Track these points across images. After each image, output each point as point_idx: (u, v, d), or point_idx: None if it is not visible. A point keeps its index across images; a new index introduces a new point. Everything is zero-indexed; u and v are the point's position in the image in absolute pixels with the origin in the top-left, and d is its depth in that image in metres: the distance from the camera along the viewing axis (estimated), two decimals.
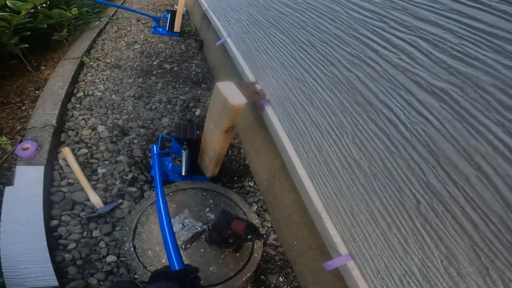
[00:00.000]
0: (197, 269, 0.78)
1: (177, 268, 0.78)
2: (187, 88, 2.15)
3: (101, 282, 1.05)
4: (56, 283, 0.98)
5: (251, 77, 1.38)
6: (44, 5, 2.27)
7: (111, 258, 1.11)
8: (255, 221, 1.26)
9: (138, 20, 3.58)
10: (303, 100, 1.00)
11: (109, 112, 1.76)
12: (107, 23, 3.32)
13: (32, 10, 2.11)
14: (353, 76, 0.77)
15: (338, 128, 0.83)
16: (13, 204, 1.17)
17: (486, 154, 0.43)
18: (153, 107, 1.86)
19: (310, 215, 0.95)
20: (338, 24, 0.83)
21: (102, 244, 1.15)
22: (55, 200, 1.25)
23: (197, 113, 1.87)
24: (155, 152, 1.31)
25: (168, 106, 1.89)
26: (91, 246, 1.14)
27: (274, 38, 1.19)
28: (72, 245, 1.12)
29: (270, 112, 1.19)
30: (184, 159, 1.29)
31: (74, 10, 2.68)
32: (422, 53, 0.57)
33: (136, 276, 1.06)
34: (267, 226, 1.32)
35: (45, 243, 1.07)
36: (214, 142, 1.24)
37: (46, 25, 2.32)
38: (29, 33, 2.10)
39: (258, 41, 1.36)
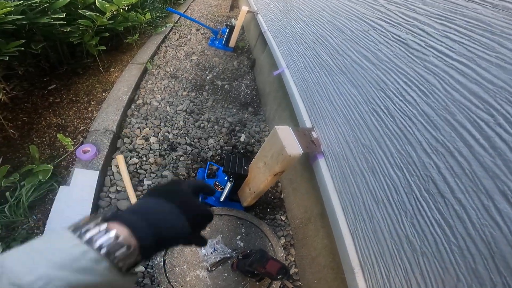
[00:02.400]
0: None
1: None
2: (234, 110, 2.15)
3: None
4: None
5: (307, 121, 1.32)
6: (126, 8, 2.45)
7: (139, 268, 1.13)
8: (281, 254, 1.28)
9: (197, 30, 3.74)
10: (364, 167, 0.92)
11: (162, 124, 1.81)
12: (171, 29, 3.52)
13: (116, 12, 2.30)
14: (432, 164, 0.67)
15: (397, 206, 0.76)
16: (64, 204, 1.24)
17: None
18: (202, 125, 1.89)
19: (340, 263, 0.94)
20: (431, 101, 0.71)
21: None
22: (102, 205, 1.31)
23: (242, 139, 1.85)
24: (200, 177, 1.32)
25: (216, 127, 1.90)
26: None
27: (342, 89, 1.11)
28: None
29: (323, 165, 1.12)
30: (227, 189, 1.30)
31: (148, 15, 2.86)
32: None
33: None
34: (290, 260, 1.33)
35: None
36: (260, 180, 1.22)
37: (123, 28, 2.50)
38: (108, 34, 2.28)
39: (322, 86, 1.29)
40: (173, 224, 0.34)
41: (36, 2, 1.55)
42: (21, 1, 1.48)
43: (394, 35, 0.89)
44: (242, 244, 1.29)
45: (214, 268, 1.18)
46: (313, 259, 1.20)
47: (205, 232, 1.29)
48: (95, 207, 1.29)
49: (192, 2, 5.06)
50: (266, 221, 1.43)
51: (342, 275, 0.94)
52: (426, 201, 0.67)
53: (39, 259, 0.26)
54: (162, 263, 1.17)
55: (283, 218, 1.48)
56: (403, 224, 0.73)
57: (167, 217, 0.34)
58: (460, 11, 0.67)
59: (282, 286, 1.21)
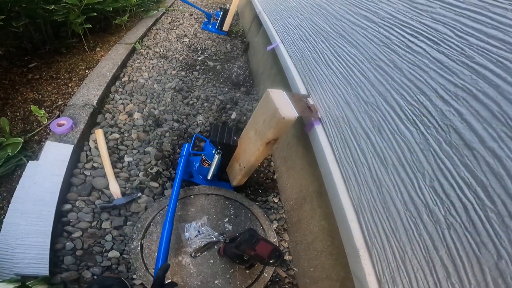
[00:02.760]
0: (174, 283, 0.78)
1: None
2: (226, 89, 2.03)
3: (95, 277, 0.94)
4: (46, 273, 0.89)
5: (302, 89, 1.20)
6: None
7: (113, 254, 1.01)
8: (273, 239, 1.16)
9: (191, 15, 3.61)
10: (368, 127, 0.80)
11: (148, 100, 1.69)
12: (164, 13, 3.38)
13: None
14: (452, 111, 0.57)
15: (412, 168, 0.64)
16: (31, 180, 1.10)
17: None
18: (191, 102, 1.77)
19: (343, 247, 0.81)
20: (443, 48, 0.62)
21: (108, 237, 1.05)
22: (75, 182, 1.18)
23: (233, 116, 1.73)
24: (184, 152, 1.20)
25: (205, 104, 1.78)
26: (97, 237, 1.05)
27: (341, 51, 1.00)
28: (77, 234, 1.03)
29: (320, 133, 1.01)
30: (214, 163, 1.17)
31: None
32: None
33: (135, 277, 0.96)
34: (284, 246, 1.20)
35: (51, 229, 0.98)
36: (250, 152, 1.10)
37: (112, 8, 2.36)
38: (95, 14, 2.14)
39: (319, 52, 1.18)
40: None
41: None
42: None
43: None
44: (230, 227, 1.16)
45: (198, 254, 1.05)
46: (309, 244, 1.08)
47: (189, 213, 1.17)
48: (67, 184, 1.16)
49: None
50: (257, 203, 1.31)
51: (343, 260, 0.83)
52: (449, 157, 0.56)
53: None
54: (139, 248, 1.03)
55: (275, 200, 1.36)
56: (421, 189, 0.61)
57: None
58: None
59: (274, 274, 1.09)
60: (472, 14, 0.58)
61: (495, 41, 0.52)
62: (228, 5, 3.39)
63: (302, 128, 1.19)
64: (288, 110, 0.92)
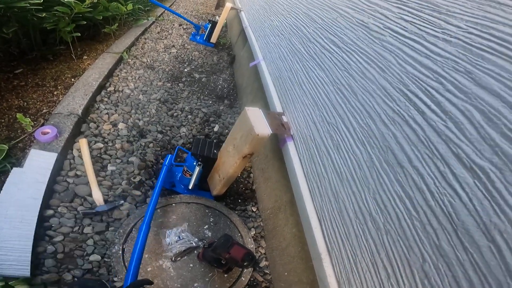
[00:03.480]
0: (149, 281, 0.81)
1: (128, 284, 0.83)
2: (210, 102, 2.12)
3: (76, 279, 0.98)
4: (28, 274, 0.92)
5: (278, 106, 1.31)
6: None
7: (94, 257, 1.05)
8: (251, 246, 1.24)
9: (180, 25, 3.69)
10: (329, 145, 0.92)
11: (133, 111, 1.74)
12: (153, 22, 3.44)
13: (96, 0, 2.20)
14: (390, 134, 0.69)
15: (360, 182, 0.76)
16: (15, 187, 1.13)
17: (505, 231, 0.44)
18: (175, 114, 1.84)
19: (309, 252, 0.91)
20: (387, 75, 0.74)
21: (90, 242, 1.09)
22: (57, 189, 1.21)
23: (216, 129, 1.82)
24: (167, 163, 1.26)
25: (189, 116, 1.85)
26: (78, 242, 1.08)
27: (312, 73, 1.12)
28: (59, 238, 1.06)
29: (291, 148, 1.11)
30: (195, 174, 1.24)
31: (130, 6, 2.79)
32: (472, 125, 0.50)
33: (115, 279, 1.01)
34: (261, 252, 1.27)
35: (33, 233, 1.01)
36: (229, 164, 1.18)
37: (101, 17, 2.41)
38: (85, 22, 2.18)
39: (294, 72, 1.29)
40: None
41: None
42: None
43: (358, 20, 0.94)
44: (209, 234, 1.23)
45: (179, 258, 1.11)
46: (283, 250, 1.16)
47: (170, 220, 1.23)
48: (50, 191, 1.19)
49: None
50: (237, 211, 1.38)
51: (311, 263, 0.91)
52: (387, 173, 0.67)
53: None
54: (120, 252, 1.08)
55: (254, 209, 1.44)
56: (366, 200, 0.72)
57: None
58: None
59: (252, 279, 1.16)
60: (412, 43, 0.69)
61: (426, 70, 0.63)
62: (217, 17, 3.52)
63: (278, 142, 1.29)
64: (262, 127, 1.01)
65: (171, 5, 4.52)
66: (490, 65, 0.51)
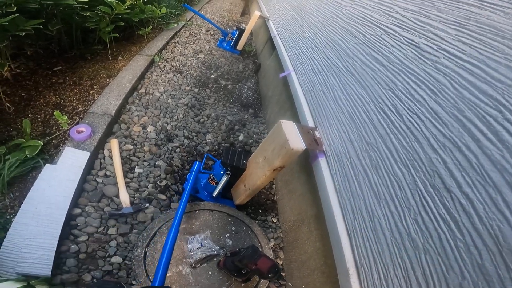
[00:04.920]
0: None
1: (157, 285, 0.82)
2: (235, 110, 2.12)
3: (95, 280, 0.98)
4: (49, 273, 0.93)
5: (310, 120, 1.28)
6: None
7: (116, 259, 1.05)
8: (270, 256, 1.22)
9: (207, 30, 3.78)
10: (367, 165, 0.87)
11: (162, 115, 1.77)
12: (183, 26, 3.55)
13: (135, 2, 2.30)
14: (439, 159, 0.66)
15: (400, 203, 0.73)
16: (46, 183, 1.16)
17: None
18: (201, 120, 1.85)
19: (335, 266, 0.90)
20: (440, 99, 0.70)
21: (113, 243, 1.10)
22: (87, 188, 1.24)
23: (240, 138, 1.81)
24: (195, 169, 1.26)
25: (215, 123, 1.86)
26: (101, 242, 1.10)
27: (350, 90, 1.08)
28: (83, 237, 1.08)
29: (323, 165, 1.07)
30: (221, 183, 1.23)
31: (163, 9, 2.89)
32: None
33: (134, 283, 1.00)
34: (278, 263, 1.26)
35: (59, 232, 1.03)
36: (257, 176, 1.17)
37: (138, 19, 2.51)
38: (123, 23, 2.27)
39: (329, 87, 1.26)
40: None
41: None
42: None
43: (407, 39, 0.90)
44: (230, 242, 1.22)
45: (198, 265, 1.10)
46: (303, 263, 1.15)
47: (193, 227, 1.22)
48: (79, 190, 1.22)
49: (206, 4, 5.16)
50: (257, 221, 1.37)
51: (334, 278, 0.90)
52: (432, 196, 0.65)
53: None
54: (142, 255, 1.09)
55: (274, 220, 1.42)
56: (406, 221, 0.70)
57: None
58: (474, 18, 0.70)
59: None
60: (470, 67, 0.65)
61: (485, 96, 0.60)
62: (243, 25, 3.57)
63: (306, 157, 1.26)
64: (297, 142, 0.99)
65: (199, 10, 4.65)
66: None
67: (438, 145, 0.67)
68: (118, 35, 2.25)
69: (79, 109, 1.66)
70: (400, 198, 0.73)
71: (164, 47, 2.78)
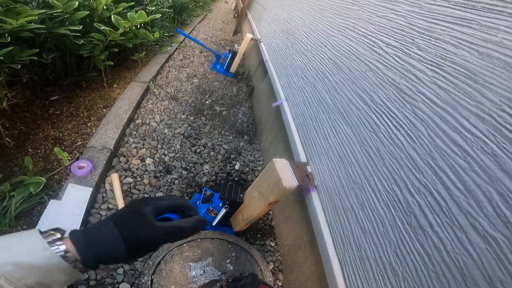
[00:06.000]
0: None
1: None
2: (231, 137, 2.27)
3: None
4: None
5: (302, 156, 1.43)
6: (138, 25, 2.55)
7: (124, 286, 1.16)
8: (269, 279, 1.34)
9: (201, 52, 3.98)
10: (354, 202, 1.02)
11: (159, 146, 1.90)
12: (176, 49, 3.74)
13: (128, 28, 2.42)
14: (415, 202, 0.78)
15: (383, 237, 0.87)
16: (53, 218, 1.27)
17: (505, 281, 0.55)
18: (198, 150, 1.99)
19: None
20: (416, 146, 0.82)
21: (120, 271, 1.21)
22: (91, 221, 1.34)
23: (237, 167, 1.95)
24: (198, 202, 1.39)
25: (212, 153, 2.00)
26: (109, 270, 1.21)
27: (338, 128, 1.24)
28: None
29: (315, 198, 1.21)
30: (220, 215, 1.36)
31: (157, 34, 2.98)
32: (491, 204, 0.59)
33: None
34: (278, 285, 1.38)
35: None
36: (254, 208, 1.30)
37: (132, 45, 2.64)
38: (117, 49, 2.40)
39: (319, 122, 1.42)
40: (112, 254, 0.44)
41: (57, 12, 1.63)
42: (44, 10, 1.55)
43: (389, 78, 0.97)
44: (231, 268, 1.33)
45: None
46: (301, 284, 1.27)
47: (195, 254, 1.33)
48: (85, 223, 1.32)
49: (198, 24, 5.42)
50: (256, 246, 1.49)
51: None
52: (408, 233, 0.78)
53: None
54: (149, 282, 1.19)
55: (272, 244, 1.55)
56: (388, 252, 0.84)
57: (107, 248, 0.43)
58: (450, 58, 0.76)
59: None
60: (444, 114, 0.73)
61: (455, 146, 0.68)
62: (236, 45, 3.78)
63: (300, 190, 1.39)
64: (289, 180, 1.13)
65: (192, 30, 4.89)
66: None
67: (414, 190, 0.79)
68: (112, 63, 2.38)
69: (78, 143, 1.77)
70: (383, 233, 0.87)
71: (158, 72, 2.94)
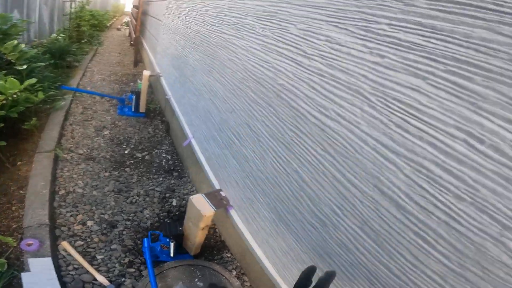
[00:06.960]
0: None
1: None
2: (160, 179, 3.13)
3: None
4: None
5: (216, 183, 2.43)
6: (14, 95, 2.86)
7: None
8: (236, 283, 2.15)
9: (102, 97, 4.67)
10: (260, 202, 2.07)
11: (94, 208, 2.63)
12: (71, 101, 4.33)
13: (4, 100, 2.71)
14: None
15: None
16: (36, 285, 1.93)
17: None
18: (133, 200, 2.78)
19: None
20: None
21: None
22: (67, 281, 2.01)
23: (174, 203, 2.83)
24: (146, 245, 2.24)
25: (147, 199, 2.83)
26: None
27: (229, 161, 2.30)
28: None
29: (234, 214, 2.22)
30: (172, 248, 2.23)
31: (41, 94, 3.35)
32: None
33: None
34: (247, 285, 2.22)
35: None
36: (193, 235, 2.22)
37: (17, 114, 2.99)
38: (3, 124, 2.78)
39: (217, 156, 2.45)
40: None
41: None
42: None
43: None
44: (201, 284, 2.10)
45: None
46: (261, 278, 2.15)
47: (167, 283, 2.14)
48: (63, 284, 1.98)
49: (89, 63, 5.97)
50: (215, 261, 2.33)
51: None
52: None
53: None
54: None
55: (228, 255, 2.40)
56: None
57: None
58: None
59: None
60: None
61: None
62: (139, 80, 4.60)
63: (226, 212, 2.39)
64: (207, 209, 2.07)
65: (84, 74, 5.47)
66: None
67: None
68: (5, 143, 2.73)
69: (14, 226, 2.39)
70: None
71: (61, 135, 3.54)
